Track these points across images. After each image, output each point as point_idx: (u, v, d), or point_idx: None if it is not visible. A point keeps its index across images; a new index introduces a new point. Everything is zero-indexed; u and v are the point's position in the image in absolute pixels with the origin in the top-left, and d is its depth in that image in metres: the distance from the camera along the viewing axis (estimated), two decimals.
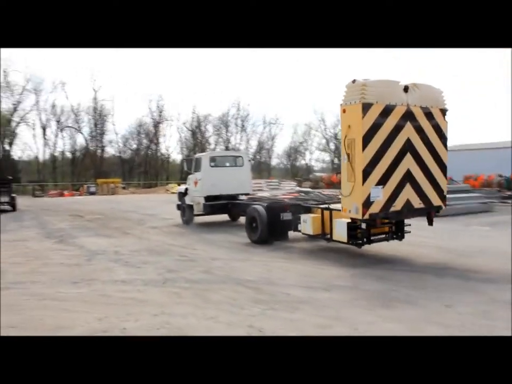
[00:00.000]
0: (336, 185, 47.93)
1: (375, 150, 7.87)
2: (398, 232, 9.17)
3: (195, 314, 5.66)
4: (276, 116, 79.71)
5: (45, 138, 61.02)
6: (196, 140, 66.77)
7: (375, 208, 7.96)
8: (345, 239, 8.68)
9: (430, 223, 9.03)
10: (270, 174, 70.70)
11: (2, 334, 4.97)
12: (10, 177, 25.75)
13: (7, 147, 58.41)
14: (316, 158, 77.43)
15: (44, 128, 60.47)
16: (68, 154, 64.58)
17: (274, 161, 76.96)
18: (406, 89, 8.25)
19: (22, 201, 27.77)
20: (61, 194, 44.26)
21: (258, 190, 42.50)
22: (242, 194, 15.02)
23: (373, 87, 7.86)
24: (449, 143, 8.99)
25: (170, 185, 48.04)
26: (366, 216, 7.93)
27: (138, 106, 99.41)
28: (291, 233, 11.01)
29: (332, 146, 72.08)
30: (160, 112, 67.08)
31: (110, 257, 9.61)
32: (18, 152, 70.18)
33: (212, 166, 14.73)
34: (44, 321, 5.48)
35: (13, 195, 23.66)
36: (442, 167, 8.81)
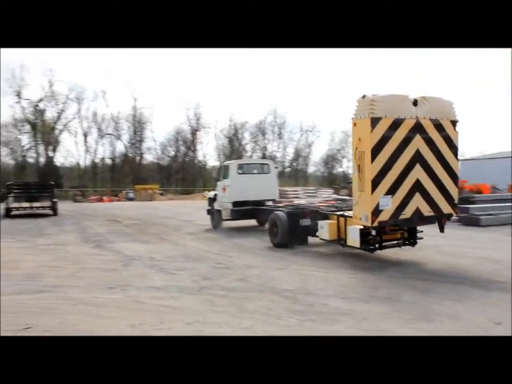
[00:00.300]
0: None
1: (384, 161, 8.30)
2: (410, 239, 9.60)
3: (230, 323, 5.50)
4: (312, 123, 78.81)
5: (86, 145, 62.80)
6: (233, 147, 67.10)
7: (384, 216, 8.41)
8: (358, 245, 9.10)
9: (441, 230, 9.41)
10: (307, 182, 70.23)
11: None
12: (52, 183, 26.35)
13: (50, 154, 60.33)
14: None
15: (85, 136, 62.24)
16: (108, 161, 66.09)
17: (311, 169, 76.42)
18: (415, 102, 8.64)
19: (63, 206, 28.38)
20: (100, 200, 45.12)
21: (295, 197, 42.22)
22: (268, 200, 15.44)
23: (381, 102, 8.31)
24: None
25: (206, 191, 48.23)
26: (375, 224, 8.39)
27: (176, 114, 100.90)
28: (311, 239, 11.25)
29: None
30: (198, 119, 67.82)
31: (145, 263, 9.59)
32: (61, 158, 72.42)
33: (239, 173, 15.37)
34: (77, 326, 5.44)
35: (55, 200, 24.20)
36: (453, 177, 9.16)
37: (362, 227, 8.89)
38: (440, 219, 9.23)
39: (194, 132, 68.20)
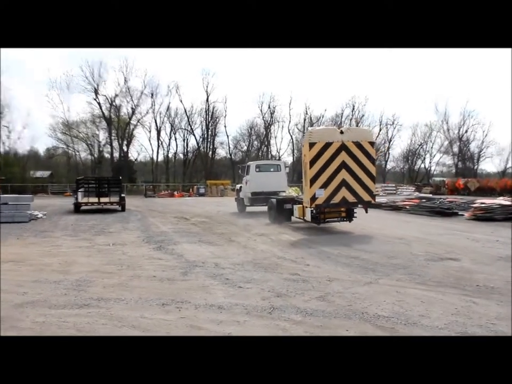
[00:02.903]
0: (461, 191, 44.03)
1: (318, 168, 13.01)
2: (348, 217, 14.42)
3: None
4: (393, 116, 74.46)
5: (159, 140, 63.68)
6: None
7: (319, 201, 13.18)
8: (309, 220, 14.24)
9: (366, 211, 14.56)
10: (386, 179, 67.38)
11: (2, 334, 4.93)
12: (120, 178, 26.24)
13: (125, 149, 61.68)
14: (436, 162, 71.88)
15: (158, 131, 63.15)
16: (180, 156, 66.81)
17: (389, 165, 73.23)
18: (341, 132, 13.31)
19: (132, 202, 28.43)
20: (171, 195, 45.35)
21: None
22: (279, 191, 20.24)
23: (316, 133, 13.44)
24: None
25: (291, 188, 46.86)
26: (313, 206, 13.30)
27: (249, 107, 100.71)
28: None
29: (455, 148, 66.97)
30: (272, 113, 67.00)
31: (209, 271, 8.42)
32: (135, 153, 74.07)
33: (256, 171, 21.31)
34: None
35: (123, 195, 23.98)
36: (371, 177, 13.49)
37: (312, 209, 13.57)
38: (362, 204, 13.92)
39: (268, 126, 67.46)
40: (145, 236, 13.74)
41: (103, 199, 23.29)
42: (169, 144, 64.77)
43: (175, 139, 64.97)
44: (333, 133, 13.41)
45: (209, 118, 64.80)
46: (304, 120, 68.11)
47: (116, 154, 61.34)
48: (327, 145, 13.04)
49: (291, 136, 68.40)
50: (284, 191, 20.86)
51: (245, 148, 69.20)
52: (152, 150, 65.35)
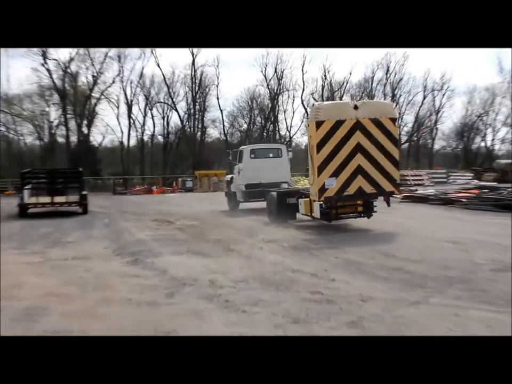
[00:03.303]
0: None
1: (327, 152, 13.82)
2: (366, 212, 15.41)
3: None
4: (442, 79, 72.38)
5: (130, 119, 63.65)
6: None
7: (329, 193, 13.98)
8: (318, 216, 14.99)
9: (388, 204, 15.35)
10: (433, 163, 67.40)
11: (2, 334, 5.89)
12: (80, 169, 26.14)
13: (85, 130, 61.42)
14: (501, 138, 70.93)
15: (129, 106, 63.18)
16: (160, 139, 66.90)
17: (438, 144, 73.13)
18: (355, 107, 14.05)
19: (97, 201, 28.52)
20: (149, 191, 45.70)
21: (418, 184, 40.08)
22: (281, 182, 21.51)
23: (325, 108, 14.20)
24: None
25: (294, 178, 45.46)
26: (322, 199, 14.15)
27: (249, 72, 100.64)
28: None
29: None
30: (280, 79, 66.98)
31: (202, 292, 8.48)
32: (98, 136, 73.72)
33: (251, 158, 22.32)
34: None
35: (84, 192, 24.07)
36: (393, 162, 14.39)
37: (321, 203, 14.45)
38: (383, 196, 14.97)
39: (274, 96, 67.54)
40: (116, 246, 13.85)
41: (57, 199, 23.34)
42: (144, 124, 65.00)
43: (152, 116, 65.22)
44: (345, 108, 14.23)
45: (197, 88, 65.04)
46: (323, 87, 68.35)
47: (74, 138, 61.55)
48: (338, 123, 13.82)
49: (305, 109, 68.25)
50: (286, 182, 22.21)
51: (245, 126, 69.65)
52: (122, 132, 65.84)
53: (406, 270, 9.62)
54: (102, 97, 62.14)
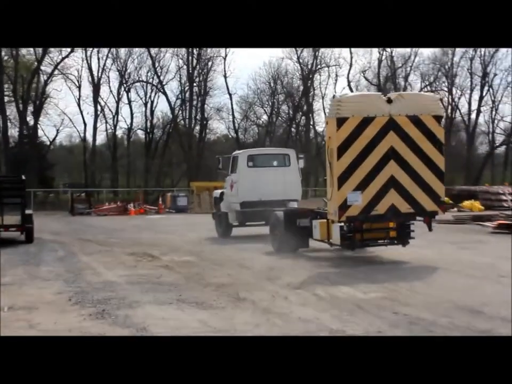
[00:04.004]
0: None
1: (351, 159, 14.79)
2: (402, 237, 16.49)
3: None
4: None
5: (97, 105, 63.62)
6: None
7: (353, 211, 15.00)
8: (338, 242, 16.10)
9: (429, 228, 16.54)
10: None
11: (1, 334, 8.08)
12: (22, 178, 26.22)
13: (31, 121, 61.47)
14: None
15: (95, 86, 63.20)
16: (140, 135, 66.92)
17: None
18: (389, 100, 15.01)
19: (48, 224, 28.54)
20: (123, 211, 45.76)
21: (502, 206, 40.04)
22: (289, 200, 22.71)
23: (349, 102, 15.18)
24: None
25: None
26: (343, 218, 15.13)
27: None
28: None
29: None
30: (316, 50, 66.84)
31: None
32: (50, 130, 73.70)
33: (249, 166, 23.74)
34: None
35: (28, 211, 24.36)
36: (437, 173, 15.45)
37: (343, 224, 15.53)
38: (423, 216, 16.14)
39: (308, 75, 67.63)
40: (74, 290, 13.96)
41: None
42: (116, 112, 65.23)
43: (129, 102, 65.73)
44: (376, 101, 15.36)
45: (195, 61, 65.26)
46: (380, 62, 68.34)
47: (13, 132, 61.73)
48: (366, 121, 14.90)
49: (352, 90, 68.31)
50: (297, 200, 23.92)
51: (265, 117, 69.65)
52: (85, 124, 65.73)
53: (497, 332, 9.59)
54: (56, 72, 62.39)
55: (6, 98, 60.32)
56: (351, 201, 14.60)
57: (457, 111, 67.43)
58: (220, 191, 26.26)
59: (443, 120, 15.75)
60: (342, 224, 15.21)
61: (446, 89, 69.71)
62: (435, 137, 15.13)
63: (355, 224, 15.26)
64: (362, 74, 69.69)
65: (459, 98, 69.07)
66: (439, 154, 15.20)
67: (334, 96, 16.46)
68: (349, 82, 69.58)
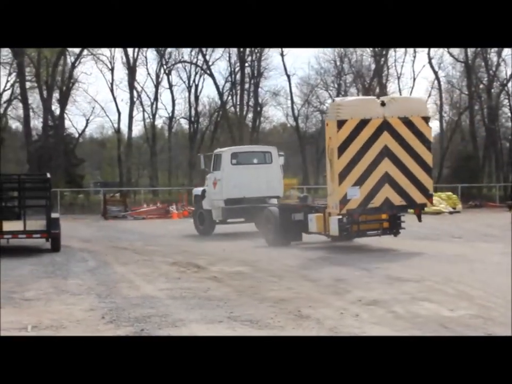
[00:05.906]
0: None
1: (350, 157, 19.14)
2: (392, 228, 21.38)
3: None
4: None
5: (133, 91, 63.82)
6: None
7: (352, 205, 19.45)
8: (337, 233, 20.25)
9: (419, 219, 21.98)
10: None
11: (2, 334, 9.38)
12: (47, 176, 26.19)
13: (56, 110, 61.76)
14: None
15: (131, 68, 63.33)
16: (183, 125, 66.98)
17: None
18: (383, 103, 19.42)
19: (77, 229, 28.63)
20: (164, 213, 45.81)
21: None
22: (271, 197, 27.27)
23: (347, 105, 19.95)
24: None
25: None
26: (343, 211, 19.52)
27: None
28: None
29: None
30: None
31: None
32: (79, 120, 73.87)
33: (233, 164, 27.59)
34: None
35: (54, 215, 24.40)
36: (426, 168, 19.94)
37: (340, 217, 19.33)
38: (413, 208, 21.18)
39: (380, 51, 67.52)
40: (108, 306, 13.92)
41: (7, 226, 23.59)
42: (155, 99, 65.31)
43: (170, 87, 65.70)
44: (371, 105, 19.67)
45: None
46: None
47: (37, 123, 62.17)
48: (363, 123, 19.09)
49: (436, 74, 67.86)
50: (278, 196, 29.17)
51: (330, 102, 69.26)
52: (119, 113, 65.87)
53: None
54: (85, 53, 62.64)
55: (28, 84, 60.45)
56: (351, 195, 18.64)
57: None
58: (200, 188, 30.65)
59: (431, 120, 19.04)
60: (340, 216, 19.14)
61: None
62: (424, 137, 19.32)
63: (354, 216, 19.29)
64: (447, 51, 68.77)
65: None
66: (427, 152, 19.42)
67: (333, 100, 22.19)
68: (430, 59, 68.83)
